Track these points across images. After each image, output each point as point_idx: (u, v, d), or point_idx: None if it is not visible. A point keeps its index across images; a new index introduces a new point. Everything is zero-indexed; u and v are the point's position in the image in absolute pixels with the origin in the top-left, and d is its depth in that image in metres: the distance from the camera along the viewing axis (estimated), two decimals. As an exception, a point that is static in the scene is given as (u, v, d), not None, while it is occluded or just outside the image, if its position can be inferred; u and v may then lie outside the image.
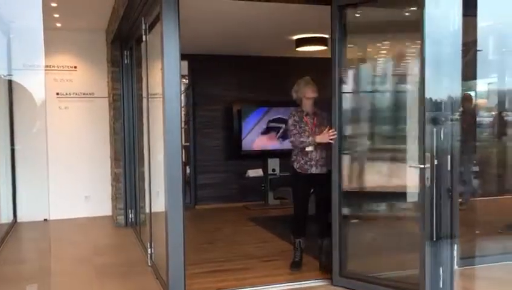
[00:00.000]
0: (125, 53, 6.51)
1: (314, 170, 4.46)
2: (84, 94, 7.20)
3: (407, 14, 4.06)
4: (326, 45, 6.72)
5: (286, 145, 7.89)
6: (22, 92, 6.68)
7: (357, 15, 4.24)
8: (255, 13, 5.27)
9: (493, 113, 6.15)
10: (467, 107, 5.70)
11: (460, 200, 3.84)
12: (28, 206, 6.93)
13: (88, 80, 7.22)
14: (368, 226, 4.57)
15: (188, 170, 8.14)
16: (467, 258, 4.31)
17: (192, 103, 8.11)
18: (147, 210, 5.23)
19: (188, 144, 8.24)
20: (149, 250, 4.88)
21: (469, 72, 5.02)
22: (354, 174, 4.51)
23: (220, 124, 8.16)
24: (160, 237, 4.11)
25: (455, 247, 3.48)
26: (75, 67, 7.19)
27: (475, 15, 4.34)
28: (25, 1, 5.25)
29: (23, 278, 4.75)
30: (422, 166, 3.44)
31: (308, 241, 4.67)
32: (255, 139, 8.05)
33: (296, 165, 4.51)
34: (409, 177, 3.91)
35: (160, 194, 4.16)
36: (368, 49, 4.64)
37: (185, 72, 7.93)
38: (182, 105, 8.17)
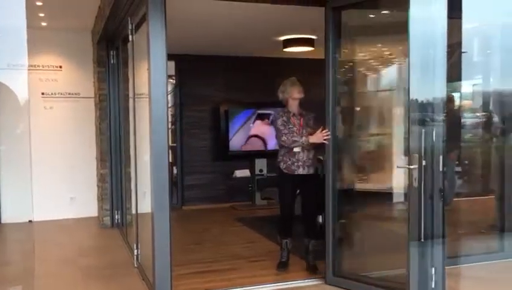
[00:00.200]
0: (112, 53, 6.46)
1: (301, 171, 4.47)
2: (69, 94, 7.14)
3: (397, 16, 4.10)
4: (313, 46, 6.75)
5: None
6: (6, 92, 6.61)
7: (351, 16, 4.27)
8: (242, 14, 5.27)
9: (478, 114, 6.22)
10: (449, 108, 5.76)
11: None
12: (13, 207, 6.86)
13: (74, 79, 7.16)
14: (359, 225, 4.61)
15: (175, 171, 8.12)
16: (451, 258, 4.35)
17: (180, 103, 8.08)
18: (133, 211, 5.20)
19: (175, 144, 8.21)
20: (135, 251, 4.85)
21: (454, 73, 5.08)
22: (346, 174, 4.53)
23: (207, 125, 8.15)
24: (147, 238, 4.09)
25: (445, 247, 3.51)
26: (61, 67, 7.12)
27: (460, 17, 4.39)
28: (8, 0, 5.20)
29: (6, 279, 4.70)
30: (409, 167, 3.46)
31: (295, 241, 4.68)
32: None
33: (282, 166, 4.51)
34: (400, 178, 3.94)
35: (146, 194, 4.14)
36: (361, 51, 4.68)
37: (172, 72, 7.90)
38: (169, 105, 8.17)
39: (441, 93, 3.50)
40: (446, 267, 3.52)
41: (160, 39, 3.73)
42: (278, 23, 5.75)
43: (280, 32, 6.43)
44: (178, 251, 4.87)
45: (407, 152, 3.51)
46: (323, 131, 4.23)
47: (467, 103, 6.50)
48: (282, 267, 4.60)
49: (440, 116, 3.48)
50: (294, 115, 4.52)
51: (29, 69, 6.89)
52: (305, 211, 4.62)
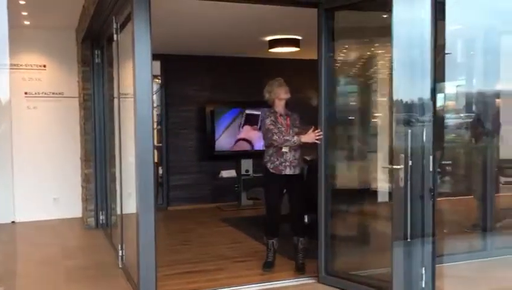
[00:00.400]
0: (96, 52, 6.41)
1: (288, 171, 4.48)
2: (53, 94, 7.06)
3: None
4: (298, 46, 6.78)
5: (260, 140, 7.97)
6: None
7: (343, 18, 4.30)
8: (228, 14, 5.27)
9: (461, 115, 6.29)
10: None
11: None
12: (-5, 208, 6.77)
13: (57, 79, 7.09)
14: (349, 224, 4.64)
15: (160, 171, 8.08)
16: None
17: (165, 103, 8.05)
18: (118, 212, 5.16)
19: (160, 144, 8.17)
20: (120, 252, 4.82)
21: (438, 74, 5.13)
22: (338, 173, 4.55)
23: (193, 125, 8.12)
24: (132, 239, 4.07)
25: (434, 247, 3.54)
26: (44, 66, 7.05)
27: (443, 19, 4.44)
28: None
29: (-12, 281, 4.64)
30: (394, 167, 3.50)
31: (281, 241, 4.68)
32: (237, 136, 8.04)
33: (270, 166, 4.52)
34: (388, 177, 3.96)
35: (132, 195, 4.11)
36: (354, 52, 4.71)
37: (158, 72, 7.87)
38: (155, 105, 8.13)
39: (426, 94, 3.54)
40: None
41: (145, 39, 3.71)
42: (264, 23, 5.76)
43: (266, 33, 6.43)
44: (163, 252, 4.85)
45: (392, 152, 3.54)
46: (316, 131, 4.27)
47: (450, 103, 6.57)
48: (268, 267, 4.60)
49: (426, 117, 3.51)
50: (281, 115, 4.55)
51: (12, 68, 6.81)
52: (294, 210, 4.63)
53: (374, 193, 4.53)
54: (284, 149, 4.44)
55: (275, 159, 4.49)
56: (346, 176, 4.74)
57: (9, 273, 4.72)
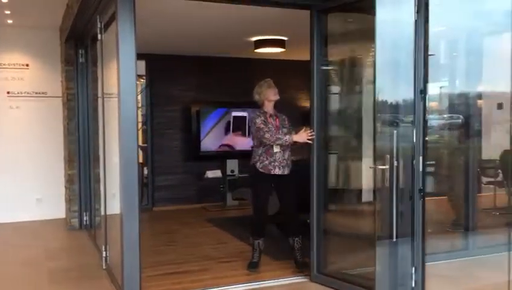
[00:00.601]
0: (80, 52, 6.35)
1: (277, 171, 4.50)
2: (36, 93, 6.98)
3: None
4: (284, 47, 6.80)
5: (243, 145, 7.99)
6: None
7: (335, 20, 4.32)
8: (213, 14, 5.26)
9: (444, 115, 6.35)
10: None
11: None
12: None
13: (41, 78, 7.01)
14: (340, 223, 4.67)
15: (145, 171, 8.04)
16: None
17: (150, 103, 8.01)
18: (102, 212, 5.12)
19: (145, 144, 8.14)
20: (104, 253, 4.78)
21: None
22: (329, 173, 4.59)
23: (178, 125, 8.10)
24: (116, 240, 4.04)
25: (420, 246, 3.56)
26: (27, 65, 6.97)
27: (427, 20, 4.48)
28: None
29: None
30: (380, 167, 3.52)
31: (267, 242, 4.69)
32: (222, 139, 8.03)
33: (259, 165, 4.52)
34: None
35: (116, 196, 4.09)
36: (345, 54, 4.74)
37: (143, 72, 7.83)
38: (140, 105, 8.08)
39: (409, 95, 3.57)
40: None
41: (130, 38, 3.69)
42: (250, 24, 5.77)
43: (251, 33, 6.44)
44: (148, 253, 4.83)
45: (376, 152, 3.57)
46: (308, 131, 4.29)
47: (433, 104, 6.64)
48: (253, 268, 4.61)
49: (409, 118, 3.54)
50: (270, 115, 4.58)
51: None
52: (286, 210, 4.66)
53: (364, 192, 4.56)
54: (275, 149, 4.46)
55: (264, 159, 4.50)
56: (337, 175, 4.77)
57: (-9, 275, 4.65)
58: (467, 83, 5.84)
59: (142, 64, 7.66)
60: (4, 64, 6.85)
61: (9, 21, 6.40)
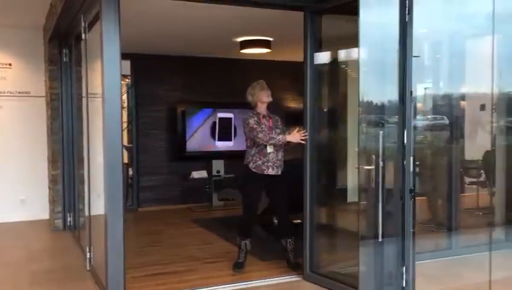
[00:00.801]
0: (64, 51, 6.29)
1: (270, 171, 4.51)
2: (19, 93, 6.90)
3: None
4: (270, 48, 6.81)
5: (227, 146, 7.99)
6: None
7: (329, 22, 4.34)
8: (199, 14, 5.25)
9: (428, 116, 6.42)
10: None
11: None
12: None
13: (24, 78, 6.93)
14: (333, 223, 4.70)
15: (130, 172, 7.98)
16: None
17: (135, 103, 7.96)
18: (86, 213, 5.08)
19: (130, 145, 8.08)
20: (88, 254, 4.74)
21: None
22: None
23: (163, 125, 8.06)
24: (100, 241, 4.01)
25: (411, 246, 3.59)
26: (10, 64, 6.88)
27: (411, 22, 4.52)
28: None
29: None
30: (366, 167, 3.55)
31: (252, 242, 4.70)
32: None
33: (252, 166, 4.52)
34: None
35: (100, 196, 4.06)
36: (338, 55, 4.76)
37: (128, 71, 7.78)
38: (125, 105, 8.03)
39: (393, 96, 3.60)
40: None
41: (114, 38, 3.67)
42: (236, 24, 5.76)
43: (237, 34, 6.44)
44: (132, 253, 4.80)
45: (362, 153, 3.60)
46: (301, 131, 4.31)
47: (418, 105, 6.71)
48: (238, 268, 4.61)
49: (393, 118, 3.57)
50: (264, 116, 4.60)
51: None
52: (279, 211, 4.68)
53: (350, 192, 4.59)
54: (269, 149, 4.47)
55: (257, 159, 4.50)
56: (329, 175, 4.79)
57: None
58: (451, 85, 5.92)
59: (127, 64, 7.60)
60: (-14, 64, 6.77)
61: (-8, 20, 6.31)
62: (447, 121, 5.79)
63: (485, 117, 5.72)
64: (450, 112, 5.73)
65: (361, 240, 3.65)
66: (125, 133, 8.09)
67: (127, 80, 8.02)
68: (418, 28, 3.77)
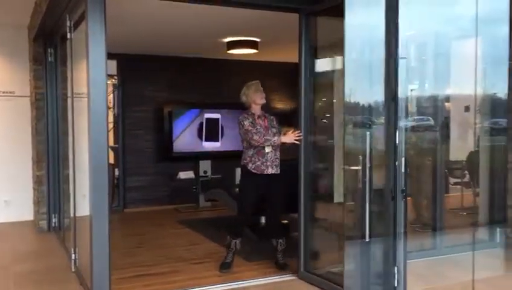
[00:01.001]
0: (49, 50, 6.23)
1: (269, 171, 4.52)
2: (3, 93, 6.80)
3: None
4: (257, 48, 6.81)
5: (214, 146, 7.98)
6: None
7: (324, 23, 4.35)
8: (186, 14, 5.23)
9: (415, 117, 6.47)
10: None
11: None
12: None
13: (8, 77, 6.83)
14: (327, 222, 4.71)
15: (116, 172, 7.93)
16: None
17: (122, 103, 7.91)
18: (72, 214, 5.04)
19: (116, 145, 8.03)
20: (73, 255, 4.70)
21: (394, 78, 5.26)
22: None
23: (150, 126, 8.02)
24: (85, 242, 3.98)
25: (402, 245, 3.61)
26: (-6, 63, 6.80)
27: (397, 24, 4.56)
28: None
29: None
30: (353, 168, 3.57)
31: (244, 242, 4.71)
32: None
33: (251, 166, 4.51)
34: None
35: (86, 197, 4.02)
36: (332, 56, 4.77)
37: (114, 71, 7.73)
38: (111, 105, 7.98)
39: (379, 97, 3.62)
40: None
41: (100, 38, 3.64)
42: (223, 24, 5.75)
43: (224, 34, 6.43)
44: (118, 255, 4.77)
45: (348, 154, 3.62)
46: (296, 132, 4.34)
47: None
48: (225, 269, 4.60)
49: (379, 120, 3.59)
50: (258, 116, 4.61)
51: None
52: (272, 211, 4.70)
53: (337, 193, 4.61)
54: (267, 150, 4.48)
55: (256, 160, 4.51)
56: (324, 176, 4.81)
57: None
58: (436, 86, 5.96)
59: (113, 63, 7.55)
60: (-31, 63, 6.67)
61: (-25, 18, 6.22)
62: (432, 122, 5.84)
63: (470, 118, 5.78)
64: (435, 113, 5.78)
65: (348, 240, 3.67)
66: (111, 133, 8.03)
67: (114, 80, 7.97)
68: (405, 30, 3.81)
